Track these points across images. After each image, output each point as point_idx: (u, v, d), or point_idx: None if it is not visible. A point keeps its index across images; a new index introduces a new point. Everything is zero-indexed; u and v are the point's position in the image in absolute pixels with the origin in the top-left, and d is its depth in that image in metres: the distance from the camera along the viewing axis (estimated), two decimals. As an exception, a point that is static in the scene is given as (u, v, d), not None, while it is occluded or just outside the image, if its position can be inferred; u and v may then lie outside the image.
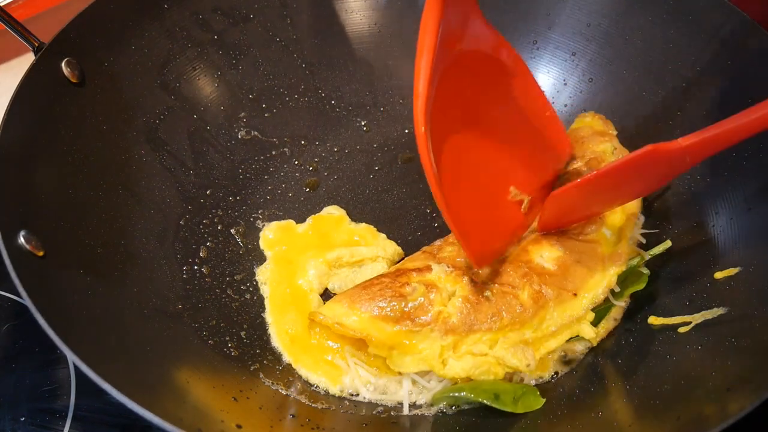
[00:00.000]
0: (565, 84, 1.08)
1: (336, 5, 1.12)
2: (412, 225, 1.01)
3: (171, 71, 1.01)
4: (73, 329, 0.67)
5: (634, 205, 0.92)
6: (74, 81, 0.87)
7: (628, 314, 0.88)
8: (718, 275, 0.82)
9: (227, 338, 0.86)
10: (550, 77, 1.09)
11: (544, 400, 0.79)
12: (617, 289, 0.86)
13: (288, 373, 0.85)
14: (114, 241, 0.84)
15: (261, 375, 0.83)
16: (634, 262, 0.89)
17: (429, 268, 0.84)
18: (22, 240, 0.71)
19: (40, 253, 0.72)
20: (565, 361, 0.85)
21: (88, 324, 0.72)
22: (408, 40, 1.13)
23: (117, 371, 0.66)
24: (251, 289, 0.94)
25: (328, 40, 1.12)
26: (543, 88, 1.08)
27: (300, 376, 0.85)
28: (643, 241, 0.93)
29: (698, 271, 0.85)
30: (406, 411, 0.81)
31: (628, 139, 1.02)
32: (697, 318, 0.80)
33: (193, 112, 1.03)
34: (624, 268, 0.87)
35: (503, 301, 0.81)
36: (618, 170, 0.73)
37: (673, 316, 0.82)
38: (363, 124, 1.13)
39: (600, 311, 0.86)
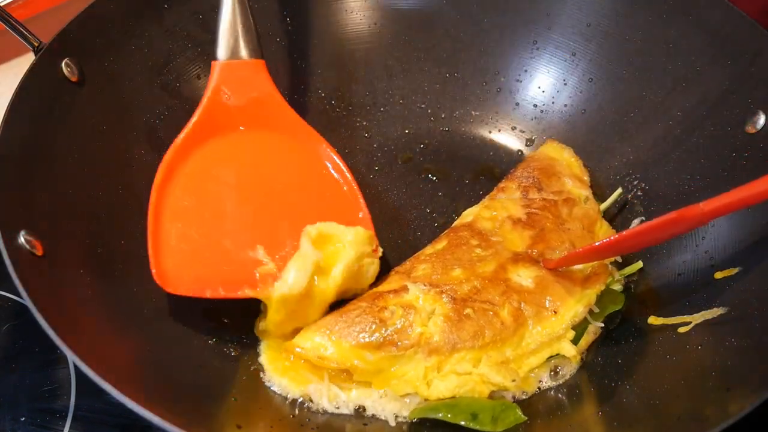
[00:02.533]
0: (565, 84, 1.08)
1: (336, 5, 1.12)
2: (412, 225, 1.01)
3: (171, 71, 1.01)
4: (73, 329, 0.67)
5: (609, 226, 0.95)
6: (74, 81, 0.87)
7: (628, 314, 0.88)
8: (718, 275, 0.82)
9: (227, 338, 0.86)
10: (550, 77, 1.09)
11: (525, 417, 0.77)
12: (596, 310, 0.86)
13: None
14: (114, 241, 0.84)
15: (261, 375, 0.83)
16: (609, 281, 0.89)
17: (405, 289, 0.83)
18: (22, 240, 0.71)
19: (40, 253, 0.72)
20: (557, 371, 0.84)
21: (88, 324, 0.72)
22: (408, 40, 1.13)
23: (117, 371, 0.66)
24: (251, 289, 0.93)
25: (328, 40, 1.12)
26: (543, 88, 1.10)
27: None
28: (619, 260, 0.93)
29: (698, 271, 0.86)
30: (392, 423, 0.80)
31: (628, 140, 1.02)
32: (697, 318, 0.80)
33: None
34: (603, 287, 0.87)
35: (484, 319, 0.81)
36: (641, 233, 0.76)
37: (673, 316, 0.82)
38: (363, 124, 1.13)
39: (580, 331, 0.85)
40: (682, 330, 0.80)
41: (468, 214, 0.97)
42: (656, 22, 0.99)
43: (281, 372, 0.82)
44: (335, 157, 0.95)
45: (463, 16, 1.11)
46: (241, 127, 0.92)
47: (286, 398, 0.81)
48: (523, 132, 1.11)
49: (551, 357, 0.83)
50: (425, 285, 0.83)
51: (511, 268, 0.86)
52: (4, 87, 0.86)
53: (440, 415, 0.77)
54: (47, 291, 0.69)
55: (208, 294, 0.80)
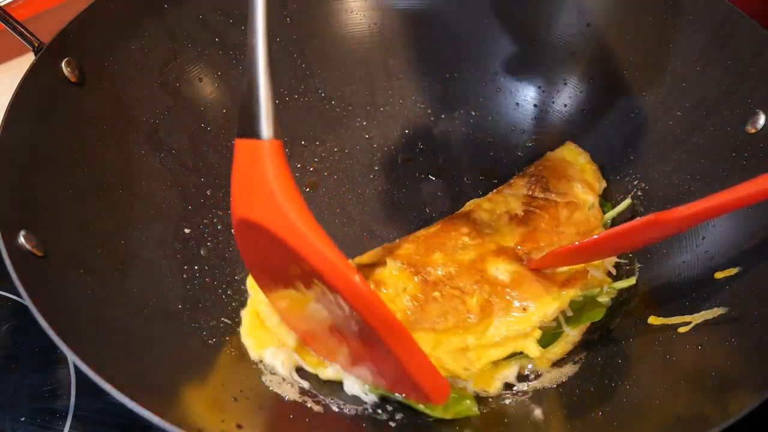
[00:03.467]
0: (565, 84, 1.08)
1: (336, 5, 1.12)
2: (412, 225, 1.01)
3: (171, 71, 1.01)
4: (73, 329, 0.67)
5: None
6: (74, 81, 0.87)
7: (628, 315, 0.89)
8: (718, 275, 0.82)
9: (227, 338, 0.86)
10: (551, 77, 1.09)
11: (477, 412, 0.78)
12: (569, 314, 0.86)
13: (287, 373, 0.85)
14: (114, 241, 0.84)
15: (261, 375, 0.83)
16: (595, 291, 0.88)
17: (384, 263, 0.85)
18: (22, 240, 0.71)
19: (40, 253, 0.72)
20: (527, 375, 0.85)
21: (88, 324, 0.72)
22: (408, 40, 1.13)
23: (117, 371, 0.66)
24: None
25: (328, 40, 1.12)
26: (543, 88, 1.10)
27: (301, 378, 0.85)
28: (613, 271, 0.92)
29: (698, 271, 0.85)
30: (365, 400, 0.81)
31: (628, 140, 1.02)
32: (697, 318, 0.80)
33: (193, 112, 1.03)
34: (580, 293, 0.87)
35: (450, 304, 0.82)
36: (618, 235, 0.77)
37: (673, 316, 0.82)
38: (363, 124, 1.13)
39: (550, 335, 0.85)
40: (682, 330, 0.80)
41: (470, 204, 0.98)
42: (656, 22, 0.99)
43: (250, 331, 0.84)
44: None
45: (463, 16, 1.11)
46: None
47: (286, 398, 0.81)
48: (523, 132, 1.11)
49: (518, 357, 0.84)
50: (403, 263, 0.85)
51: (491, 260, 0.86)
52: (4, 87, 0.86)
53: (396, 396, 0.79)
54: (47, 291, 0.69)
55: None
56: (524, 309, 0.83)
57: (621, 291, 0.91)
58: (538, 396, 0.83)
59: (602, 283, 0.90)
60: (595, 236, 0.81)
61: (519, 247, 0.88)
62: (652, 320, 0.84)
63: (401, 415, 0.81)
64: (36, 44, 0.85)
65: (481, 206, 0.96)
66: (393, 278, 0.84)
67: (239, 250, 0.74)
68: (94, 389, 0.61)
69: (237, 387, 0.79)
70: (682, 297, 0.84)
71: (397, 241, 0.93)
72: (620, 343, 0.85)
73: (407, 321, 0.81)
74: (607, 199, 1.00)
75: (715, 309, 0.79)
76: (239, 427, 0.71)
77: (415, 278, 0.83)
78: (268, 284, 0.77)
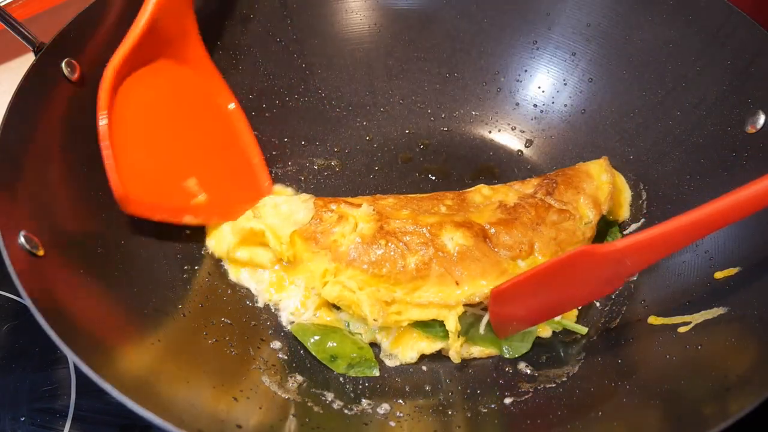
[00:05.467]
0: (565, 84, 1.08)
1: (336, 5, 1.12)
2: (412, 225, 1.01)
3: (171, 71, 1.01)
4: (73, 329, 0.67)
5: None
6: (74, 81, 0.87)
7: (628, 314, 0.89)
8: (718, 275, 0.82)
9: (227, 338, 0.86)
10: (550, 77, 1.09)
11: (377, 373, 0.85)
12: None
13: (287, 373, 0.85)
14: (114, 241, 0.84)
15: (261, 375, 0.83)
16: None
17: (359, 206, 0.90)
18: (22, 240, 0.71)
19: (40, 253, 0.72)
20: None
21: (88, 324, 0.72)
22: (408, 40, 1.13)
23: (117, 371, 0.66)
24: (251, 289, 0.94)
25: (328, 40, 1.12)
26: (543, 88, 1.10)
27: (299, 376, 0.85)
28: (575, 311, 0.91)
29: (698, 271, 0.85)
30: (284, 322, 0.90)
31: (628, 140, 1.02)
32: (697, 318, 0.80)
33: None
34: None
35: (389, 255, 0.86)
36: (551, 270, 0.73)
37: (673, 316, 0.82)
38: (363, 124, 1.13)
39: (467, 325, 0.87)
40: (682, 330, 0.80)
41: (476, 188, 0.98)
42: (656, 22, 0.99)
43: (225, 253, 0.93)
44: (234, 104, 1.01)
45: (463, 16, 1.11)
46: (162, 57, 0.92)
47: (286, 398, 0.81)
48: (523, 132, 1.11)
49: (440, 336, 0.87)
50: (374, 210, 0.90)
51: (449, 228, 0.87)
52: (4, 87, 0.87)
53: (309, 344, 0.87)
54: (47, 291, 0.69)
55: (156, 217, 0.87)
56: (457, 283, 0.85)
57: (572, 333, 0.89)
58: (538, 395, 0.83)
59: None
60: (528, 271, 0.77)
61: (489, 226, 0.89)
62: (652, 320, 0.84)
63: (401, 414, 0.81)
64: (36, 44, 0.85)
65: (481, 190, 0.96)
66: (356, 218, 0.89)
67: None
68: (94, 389, 0.62)
69: (237, 387, 0.79)
70: (682, 297, 0.84)
71: (390, 196, 0.96)
72: (620, 343, 0.85)
73: (347, 256, 0.86)
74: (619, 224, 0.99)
75: (715, 309, 0.79)
76: (239, 427, 0.71)
77: (375, 224, 0.88)
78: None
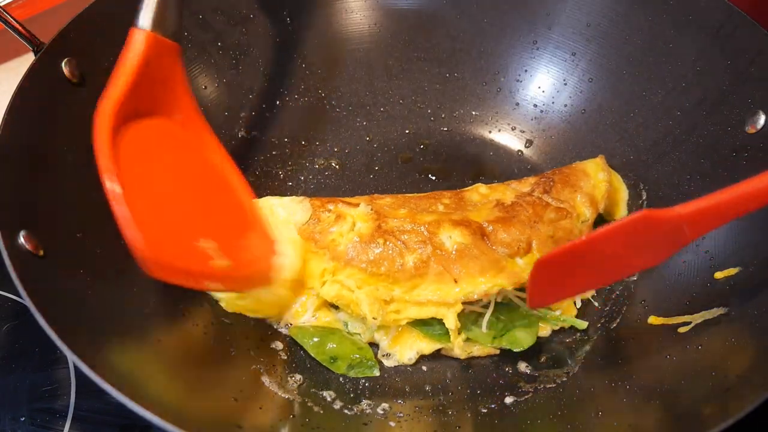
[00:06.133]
0: (565, 84, 1.08)
1: (336, 5, 1.12)
2: (412, 225, 1.01)
3: (171, 71, 1.01)
4: (73, 329, 0.67)
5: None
6: (74, 81, 0.87)
7: (628, 314, 0.89)
8: (718, 275, 0.82)
9: (227, 338, 0.86)
10: (550, 77, 1.09)
11: (378, 373, 0.86)
12: (502, 317, 0.86)
13: (287, 373, 0.85)
14: (114, 241, 0.84)
15: (261, 375, 0.83)
16: (540, 313, 0.88)
17: (357, 206, 0.90)
18: (22, 240, 0.71)
19: (40, 253, 0.72)
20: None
21: (88, 324, 0.72)
22: (408, 40, 1.13)
23: (117, 371, 0.66)
24: (251, 289, 0.93)
25: (328, 40, 1.12)
26: (543, 88, 1.10)
27: (300, 377, 0.85)
28: (578, 303, 0.91)
29: (698, 271, 0.85)
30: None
31: (628, 140, 1.02)
32: (697, 318, 0.80)
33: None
34: (515, 284, 0.85)
35: (387, 254, 0.85)
36: (609, 236, 0.68)
37: (673, 316, 0.82)
38: (363, 124, 1.13)
39: (469, 320, 0.87)
40: (682, 330, 0.80)
41: (474, 186, 0.98)
42: (656, 22, 0.99)
43: None
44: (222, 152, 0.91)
45: (463, 16, 1.11)
46: (155, 111, 0.83)
47: (286, 398, 0.81)
48: (523, 132, 1.11)
49: (439, 336, 0.87)
50: (372, 210, 0.90)
51: (447, 227, 0.87)
52: (4, 87, 0.86)
53: (308, 346, 0.86)
54: (47, 291, 0.69)
55: (180, 281, 0.77)
56: (455, 281, 0.85)
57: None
58: (538, 395, 0.83)
59: (554, 307, 0.89)
60: (584, 237, 0.71)
61: (487, 224, 0.88)
62: (652, 320, 0.84)
63: (401, 414, 0.81)
64: (36, 44, 0.85)
65: (478, 189, 0.97)
66: (354, 217, 0.88)
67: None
68: (94, 389, 0.62)
69: (237, 387, 0.79)
70: (682, 297, 0.84)
71: (387, 196, 0.95)
72: (620, 343, 0.85)
73: (345, 255, 0.86)
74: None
75: (715, 309, 0.79)
76: (239, 427, 0.71)
77: (373, 223, 0.88)
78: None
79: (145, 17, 0.78)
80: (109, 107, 0.75)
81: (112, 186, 0.72)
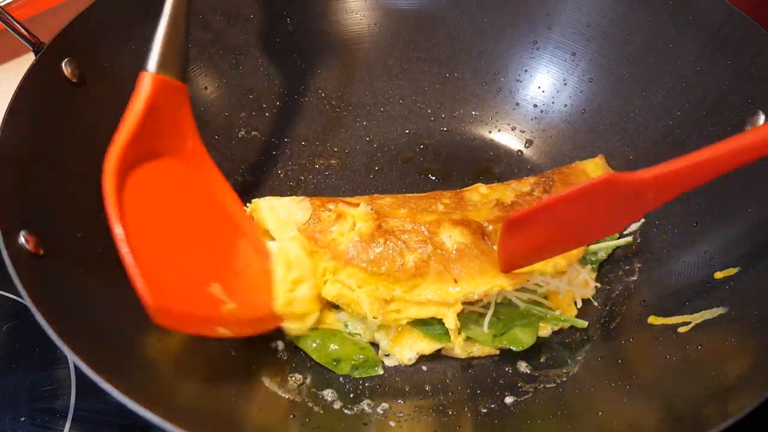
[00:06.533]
0: (565, 84, 1.08)
1: (336, 5, 1.12)
2: (412, 225, 1.01)
3: (171, 71, 1.01)
4: (73, 329, 0.67)
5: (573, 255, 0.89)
6: (74, 81, 0.87)
7: (628, 314, 0.88)
8: (718, 275, 0.82)
9: (227, 338, 0.86)
10: (550, 77, 1.09)
11: (382, 371, 0.86)
12: (501, 316, 0.86)
13: (287, 373, 0.85)
14: (114, 242, 0.84)
15: (261, 375, 0.83)
16: (540, 311, 0.88)
17: (357, 205, 0.90)
18: (22, 240, 0.71)
19: (40, 253, 0.72)
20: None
21: (88, 324, 0.72)
22: (408, 40, 1.14)
23: (117, 371, 0.66)
24: (251, 289, 0.93)
25: (328, 40, 1.12)
26: (543, 88, 1.10)
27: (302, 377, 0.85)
28: (579, 303, 0.91)
29: (698, 271, 0.85)
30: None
31: (628, 140, 1.02)
32: (697, 318, 0.80)
33: (193, 112, 1.02)
34: (515, 285, 0.85)
35: (388, 254, 0.85)
36: (574, 197, 0.68)
37: (673, 316, 0.82)
38: (363, 124, 1.13)
39: (469, 320, 0.87)
40: (682, 330, 0.80)
41: (474, 186, 0.98)
42: (656, 22, 0.99)
43: None
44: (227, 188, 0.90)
45: (463, 16, 1.11)
46: (162, 153, 0.83)
47: (286, 398, 0.81)
48: (523, 132, 1.11)
49: (439, 336, 0.87)
50: (372, 209, 0.90)
51: (447, 226, 0.87)
52: (4, 87, 0.86)
53: (309, 349, 0.86)
54: (47, 291, 0.69)
55: (189, 331, 0.77)
56: (455, 281, 0.85)
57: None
58: (538, 395, 0.83)
59: (554, 307, 0.89)
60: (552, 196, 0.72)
61: (487, 224, 0.88)
62: (652, 320, 0.84)
63: (401, 414, 0.81)
64: (36, 44, 0.85)
65: (478, 189, 0.97)
66: (354, 217, 0.89)
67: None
68: (94, 389, 0.62)
69: (237, 387, 0.79)
70: (682, 297, 0.84)
71: (387, 196, 0.95)
72: (620, 343, 0.85)
73: (346, 254, 0.86)
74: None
75: (715, 309, 0.79)
76: (239, 427, 0.71)
77: (374, 223, 0.88)
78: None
79: (152, 60, 0.80)
80: (116, 153, 0.76)
81: (117, 228, 0.72)
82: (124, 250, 0.71)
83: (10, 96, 0.80)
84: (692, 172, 0.63)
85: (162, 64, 0.80)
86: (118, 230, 0.71)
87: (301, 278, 0.85)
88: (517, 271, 0.85)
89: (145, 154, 0.80)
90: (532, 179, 0.97)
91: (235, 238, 0.87)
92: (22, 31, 0.85)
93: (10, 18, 0.85)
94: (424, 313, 0.86)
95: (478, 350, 0.88)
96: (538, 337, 0.87)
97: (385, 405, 0.82)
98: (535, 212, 0.73)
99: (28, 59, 0.84)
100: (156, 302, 0.70)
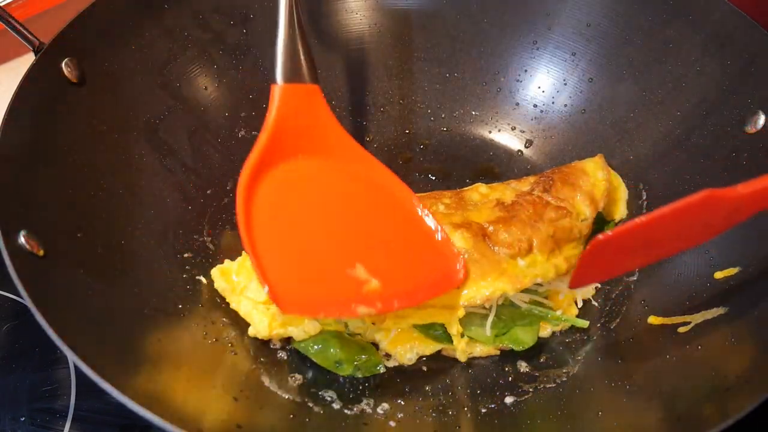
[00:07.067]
0: (565, 84, 1.08)
1: (336, 5, 1.12)
2: (412, 225, 1.01)
3: (171, 71, 1.01)
4: (73, 329, 0.67)
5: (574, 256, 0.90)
6: (74, 81, 0.87)
7: (628, 314, 0.89)
8: (718, 275, 0.82)
9: (227, 337, 0.86)
10: (550, 77, 1.09)
11: (384, 369, 0.85)
12: (503, 316, 0.86)
13: (287, 373, 0.85)
14: (114, 241, 0.84)
15: (261, 375, 0.83)
16: (541, 312, 0.88)
17: None
18: (22, 240, 0.71)
19: (40, 253, 0.72)
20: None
21: (88, 324, 0.72)
22: (408, 40, 1.13)
23: (117, 371, 0.66)
24: (251, 289, 0.93)
25: (329, 41, 1.12)
26: (543, 88, 1.10)
27: (303, 377, 0.85)
28: (580, 303, 0.91)
29: (698, 271, 0.85)
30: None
31: (628, 140, 1.02)
32: (697, 318, 0.80)
33: (193, 112, 1.03)
34: (517, 289, 0.85)
35: None
36: (671, 216, 0.67)
37: (673, 316, 0.82)
38: (363, 124, 1.13)
39: (472, 321, 0.87)
40: (682, 330, 0.80)
41: (474, 186, 0.98)
42: (656, 22, 0.99)
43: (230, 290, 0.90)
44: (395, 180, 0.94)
45: (463, 16, 1.11)
46: (300, 154, 0.88)
47: (286, 398, 0.81)
48: (523, 132, 1.11)
49: (439, 338, 0.87)
50: None
51: (449, 230, 0.87)
52: (4, 87, 0.86)
53: (311, 354, 0.85)
54: (47, 291, 0.69)
55: (323, 315, 0.82)
56: (457, 286, 0.84)
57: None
58: (538, 395, 0.83)
59: (555, 307, 0.89)
60: (645, 216, 0.69)
61: (487, 225, 0.88)
62: (652, 320, 0.84)
63: (401, 414, 0.81)
64: (36, 44, 0.85)
65: (478, 189, 0.97)
66: None
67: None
68: (94, 389, 0.62)
69: (237, 387, 0.79)
70: (682, 297, 0.84)
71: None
72: (620, 343, 0.85)
73: None
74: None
75: (715, 309, 0.79)
76: (239, 427, 0.71)
77: None
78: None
79: (278, 72, 0.85)
80: (248, 172, 0.82)
81: (244, 233, 0.78)
82: (248, 252, 0.77)
83: (10, 96, 0.80)
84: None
85: (287, 74, 0.85)
86: (244, 235, 0.77)
87: None
88: (518, 273, 0.85)
89: (280, 158, 0.86)
90: (531, 178, 0.97)
91: (392, 216, 0.90)
92: (23, 31, 0.85)
93: (10, 18, 0.85)
94: (426, 317, 0.85)
95: (479, 351, 0.88)
96: (538, 337, 0.87)
97: (385, 405, 0.82)
98: (628, 232, 0.70)
99: (28, 59, 0.84)
100: (283, 300, 0.75)
